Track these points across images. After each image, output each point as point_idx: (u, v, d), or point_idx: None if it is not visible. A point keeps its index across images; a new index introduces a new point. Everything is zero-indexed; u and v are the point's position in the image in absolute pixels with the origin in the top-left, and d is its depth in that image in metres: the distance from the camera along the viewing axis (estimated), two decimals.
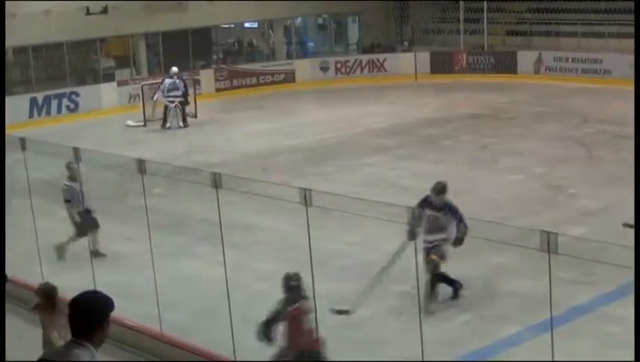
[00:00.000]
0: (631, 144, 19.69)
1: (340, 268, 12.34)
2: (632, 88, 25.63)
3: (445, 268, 11.32)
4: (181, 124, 25.20)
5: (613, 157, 19.49)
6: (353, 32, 37.00)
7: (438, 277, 11.07)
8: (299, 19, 36.57)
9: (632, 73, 26.32)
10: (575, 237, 11.90)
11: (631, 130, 20.80)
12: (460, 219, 10.82)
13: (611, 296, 11.12)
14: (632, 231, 11.09)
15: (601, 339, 10.11)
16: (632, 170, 16.86)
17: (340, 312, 10.16)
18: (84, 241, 13.11)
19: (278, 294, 8.86)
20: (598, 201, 15.74)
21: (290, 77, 33.28)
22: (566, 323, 10.04)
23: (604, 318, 10.68)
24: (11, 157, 12.60)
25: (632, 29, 29.31)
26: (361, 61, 33.99)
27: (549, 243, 6.22)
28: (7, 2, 20.64)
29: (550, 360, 6.96)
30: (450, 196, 11.87)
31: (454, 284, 11.25)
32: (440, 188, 11.10)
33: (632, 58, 26.74)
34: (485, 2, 32.71)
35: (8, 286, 10.73)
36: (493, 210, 15.03)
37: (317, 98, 31.19)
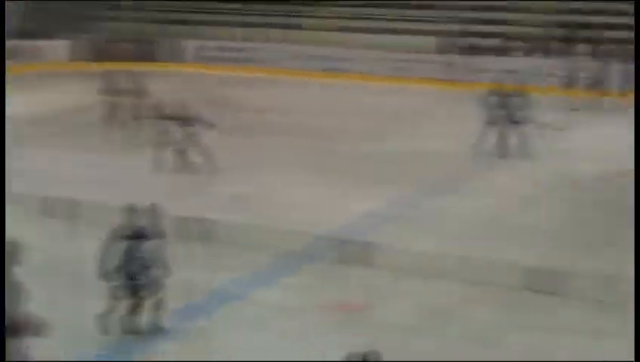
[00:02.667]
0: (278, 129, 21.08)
1: None
2: (285, 77, 27.14)
3: None
4: None
5: (259, 141, 19.84)
6: None
7: None
8: None
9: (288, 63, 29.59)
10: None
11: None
12: None
13: (254, 280, 11.35)
14: None
15: (250, 323, 10.11)
16: (281, 153, 18.31)
17: None
18: None
19: None
20: (246, 186, 15.81)
21: None
22: (209, 308, 10.35)
23: (249, 302, 10.78)
24: None
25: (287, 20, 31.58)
26: None
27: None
28: None
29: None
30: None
31: None
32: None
33: (292, 48, 30.19)
34: None
35: None
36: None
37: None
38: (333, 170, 17.29)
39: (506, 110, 18.30)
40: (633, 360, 6.10)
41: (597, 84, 25.12)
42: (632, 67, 24.86)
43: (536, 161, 18.08)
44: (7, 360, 7.24)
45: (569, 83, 25.18)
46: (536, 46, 28.69)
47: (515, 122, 18.27)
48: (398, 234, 13.46)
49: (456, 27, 30.90)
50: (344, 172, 17.13)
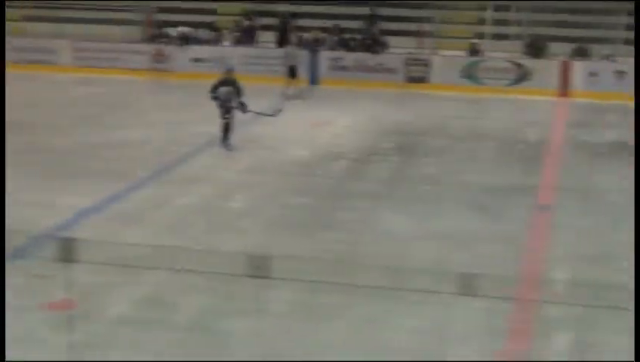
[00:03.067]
0: None
1: None
2: None
3: None
4: None
5: None
6: None
7: None
8: None
9: None
10: None
11: None
12: None
13: None
14: None
15: None
16: None
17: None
18: None
19: None
20: None
21: None
22: None
23: None
24: None
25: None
26: None
27: None
28: None
29: None
30: None
31: None
32: None
33: None
34: None
35: None
36: None
37: None
38: (35, 165, 16.31)
39: (222, 98, 18.05)
40: (633, 360, 6.09)
41: (304, 73, 25.82)
42: (339, 55, 25.81)
43: (250, 148, 18.06)
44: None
45: (281, 71, 25.51)
46: (249, 36, 28.94)
47: (229, 109, 18.07)
48: (109, 227, 13.09)
49: (163, 17, 30.65)
50: (49, 167, 16.39)
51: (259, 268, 10.78)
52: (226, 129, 18.11)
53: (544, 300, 10.70)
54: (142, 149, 18.03)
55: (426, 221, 13.64)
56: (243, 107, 18.08)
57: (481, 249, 12.36)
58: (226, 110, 18.04)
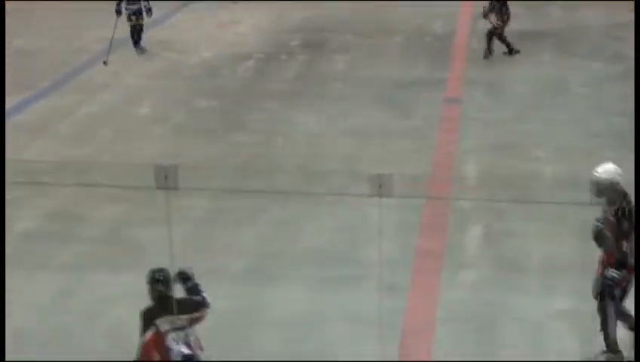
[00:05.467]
0: None
1: None
2: None
3: None
4: None
5: None
6: None
7: None
8: None
9: None
10: None
11: None
12: None
13: None
14: None
15: None
16: None
17: None
18: None
19: None
20: None
21: None
22: None
23: None
24: None
25: None
26: None
27: None
28: None
29: None
30: None
31: None
32: None
33: None
34: None
35: None
36: None
37: None
38: None
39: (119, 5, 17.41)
40: (633, 360, 6.10)
41: None
42: None
43: (155, 52, 17.63)
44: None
45: None
46: None
47: (136, 12, 17.47)
48: (13, 141, 12.47)
49: None
50: None
51: (168, 178, 10.62)
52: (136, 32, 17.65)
53: (456, 194, 10.83)
54: (46, 57, 17.35)
55: (337, 119, 13.58)
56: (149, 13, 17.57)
57: (393, 145, 12.39)
58: (133, 12, 17.47)
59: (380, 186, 10.23)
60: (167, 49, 18.03)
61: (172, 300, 6.08)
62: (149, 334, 5.96)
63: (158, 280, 6.17)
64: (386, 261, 8.85)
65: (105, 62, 16.47)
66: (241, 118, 13.71)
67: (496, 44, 16.74)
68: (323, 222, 9.95)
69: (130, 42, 17.63)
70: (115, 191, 10.50)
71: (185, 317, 6.03)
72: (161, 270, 6.25)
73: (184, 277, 6.28)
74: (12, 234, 9.57)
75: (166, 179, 10.05)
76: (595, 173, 7.13)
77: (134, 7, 17.43)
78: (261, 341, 7.67)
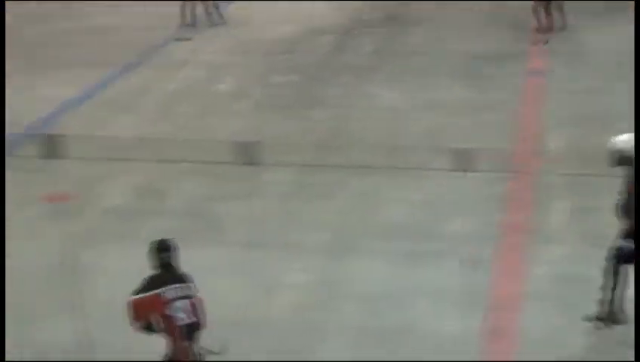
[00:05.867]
0: None
1: None
2: None
3: None
4: None
5: None
6: None
7: None
8: None
9: None
10: None
11: None
12: None
13: None
14: None
15: None
16: None
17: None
18: None
19: None
20: None
21: None
22: None
23: None
24: None
25: None
26: None
27: None
28: None
29: None
30: None
31: None
32: None
33: None
34: None
35: None
36: None
37: None
38: (10, 57, 15.89)
39: None
40: (633, 360, 6.10)
41: None
42: None
43: (232, 28, 17.67)
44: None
45: None
46: None
47: None
48: (96, 117, 12.72)
49: None
50: (25, 59, 15.83)
51: (249, 154, 10.73)
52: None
53: (541, 168, 10.64)
54: (121, 35, 17.56)
55: (417, 93, 13.46)
56: None
57: (476, 118, 12.23)
58: None
59: (461, 161, 10.18)
60: (245, 25, 18.09)
61: (178, 269, 6.17)
62: (147, 296, 5.97)
63: (164, 249, 6.23)
64: (470, 235, 8.79)
65: (184, 39, 16.66)
66: (319, 93, 13.69)
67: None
68: (406, 196, 9.87)
69: (209, 18, 17.77)
70: (197, 167, 10.61)
71: (192, 285, 6.10)
72: (166, 240, 6.32)
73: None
74: (98, 210, 9.76)
75: (247, 154, 10.25)
76: (616, 142, 6.93)
77: None
78: (342, 314, 7.66)
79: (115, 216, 9.67)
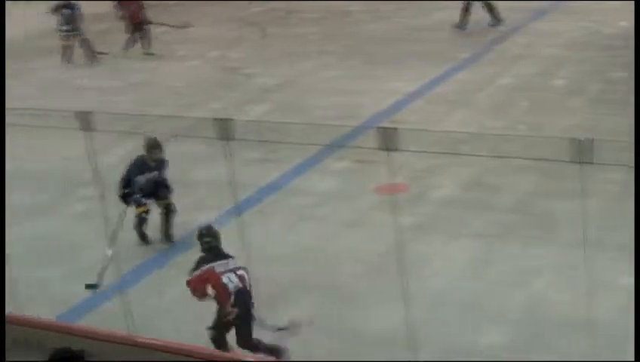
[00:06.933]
0: (302, 18, 20.98)
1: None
2: None
3: None
4: None
5: (285, 33, 19.75)
6: None
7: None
8: None
9: None
10: (252, 120, 12.30)
11: (300, 4, 22.04)
12: None
13: (298, 171, 11.40)
14: None
15: (293, 212, 10.32)
16: (305, 42, 18.35)
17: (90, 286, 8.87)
18: None
19: None
20: (274, 78, 15.90)
21: None
22: (258, 202, 10.40)
23: (294, 192, 10.90)
24: None
25: None
26: None
27: (226, 130, 6.22)
28: None
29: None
30: (134, 88, 13.55)
31: None
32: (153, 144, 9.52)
33: None
34: None
35: None
36: (177, 98, 15.10)
37: None
38: (358, 52, 16.85)
39: None
40: (633, 359, 5.93)
41: None
42: None
43: (568, 21, 17.43)
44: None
45: None
46: None
47: None
48: (433, 111, 13.29)
49: None
50: (371, 54, 16.77)
51: (583, 151, 10.51)
52: None
53: None
54: (458, 30, 17.92)
55: None
56: None
57: None
58: None
59: None
60: (580, 18, 17.77)
61: (221, 249, 7.43)
62: (199, 271, 7.27)
63: (206, 234, 7.49)
64: None
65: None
66: None
67: None
68: None
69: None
70: (529, 163, 10.68)
71: (235, 259, 7.31)
72: (208, 226, 7.63)
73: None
74: (431, 201, 10.18)
75: (581, 152, 10.02)
76: None
77: None
78: None
79: (445, 208, 10.05)
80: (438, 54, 16.23)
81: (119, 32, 18.56)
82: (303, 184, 11.06)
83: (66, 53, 18.17)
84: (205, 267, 7.27)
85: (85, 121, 6.91)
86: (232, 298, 7.12)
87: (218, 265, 7.26)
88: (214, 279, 7.20)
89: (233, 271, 7.24)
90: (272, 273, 8.40)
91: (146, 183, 9.44)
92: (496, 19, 17.70)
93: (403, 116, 13.00)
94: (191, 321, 7.59)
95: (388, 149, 6.86)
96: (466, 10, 17.63)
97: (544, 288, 7.89)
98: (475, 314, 7.80)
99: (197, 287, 7.29)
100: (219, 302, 7.21)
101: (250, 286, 7.24)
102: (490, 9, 17.63)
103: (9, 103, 9.39)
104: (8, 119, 8.88)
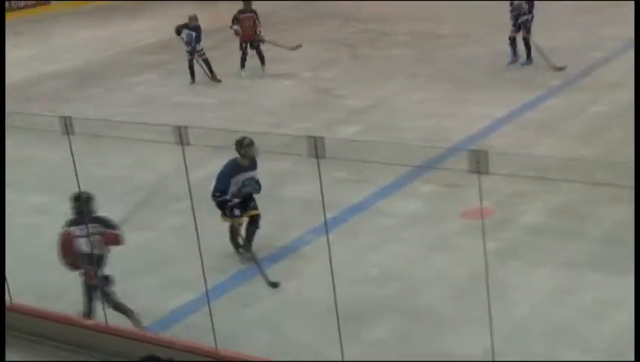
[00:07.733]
0: (394, 40, 21.13)
1: (120, 192, 11.92)
2: None
3: None
4: None
5: (377, 54, 19.93)
6: None
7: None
8: None
9: None
10: (342, 139, 12.41)
11: (393, 27, 22.52)
12: None
13: (384, 192, 11.40)
14: None
15: (379, 233, 10.29)
16: (397, 64, 18.50)
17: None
18: None
19: (53, 227, 8.45)
20: (365, 99, 16.03)
21: None
22: (344, 222, 10.43)
23: (380, 213, 10.90)
24: None
25: None
26: None
27: (316, 148, 6.32)
28: None
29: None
30: (226, 106, 13.99)
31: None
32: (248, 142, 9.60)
33: None
34: None
35: None
36: (269, 116, 15.34)
37: (76, 19, 30.03)
38: (450, 75, 16.83)
39: None
40: (633, 359, 5.79)
41: None
42: None
43: None
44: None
45: None
46: None
47: None
48: (522, 137, 13.19)
49: None
50: (463, 77, 16.81)
51: None
52: None
53: None
54: (552, 54, 17.71)
55: None
56: None
57: None
58: None
59: None
60: None
61: (88, 216, 7.84)
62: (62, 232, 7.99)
63: (75, 199, 7.92)
64: None
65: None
66: None
67: None
68: None
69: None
70: (621, 192, 10.48)
71: (96, 225, 7.84)
72: (81, 193, 7.91)
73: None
74: (517, 227, 10.09)
75: None
76: None
77: None
78: None
79: (532, 235, 9.93)
80: (529, 80, 16.10)
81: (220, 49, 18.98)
82: (389, 205, 11.06)
83: (190, 71, 18.46)
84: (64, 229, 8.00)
85: (180, 135, 7.16)
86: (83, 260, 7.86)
87: (77, 229, 7.91)
88: (67, 242, 7.95)
89: (90, 236, 7.82)
90: (356, 294, 8.48)
91: (241, 185, 9.53)
92: (529, 57, 17.48)
93: (492, 141, 12.94)
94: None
95: (479, 172, 6.93)
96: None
97: (630, 319, 7.73)
98: (558, 342, 7.71)
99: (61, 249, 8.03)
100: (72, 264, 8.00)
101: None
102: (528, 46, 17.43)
103: (107, 115, 9.75)
104: (105, 131, 9.24)
